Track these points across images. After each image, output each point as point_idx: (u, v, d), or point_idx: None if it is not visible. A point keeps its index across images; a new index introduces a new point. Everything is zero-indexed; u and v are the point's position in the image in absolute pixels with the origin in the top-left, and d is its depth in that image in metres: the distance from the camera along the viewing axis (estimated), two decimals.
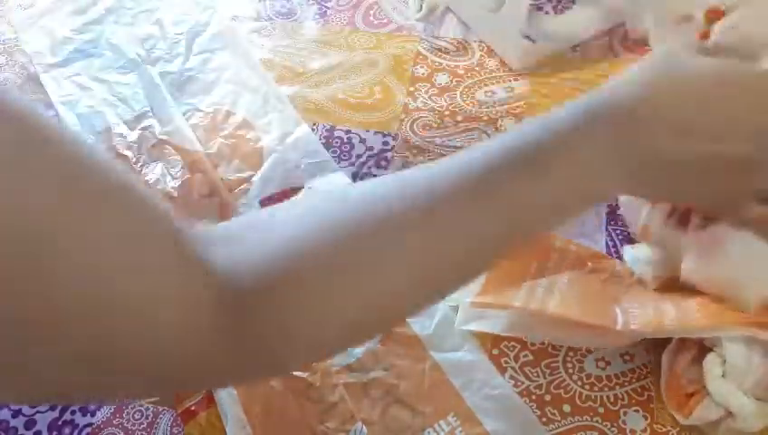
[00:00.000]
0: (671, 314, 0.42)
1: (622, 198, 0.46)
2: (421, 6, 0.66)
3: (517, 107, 0.60)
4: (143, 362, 0.25)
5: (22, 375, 0.23)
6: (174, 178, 0.58)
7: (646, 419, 0.43)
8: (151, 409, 0.46)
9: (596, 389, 0.44)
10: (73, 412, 0.45)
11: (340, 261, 0.28)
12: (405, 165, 0.57)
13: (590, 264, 0.49)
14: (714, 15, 0.45)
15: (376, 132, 0.60)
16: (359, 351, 0.47)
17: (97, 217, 0.23)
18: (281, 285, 0.27)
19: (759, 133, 0.34)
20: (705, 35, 0.45)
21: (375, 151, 0.58)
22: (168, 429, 0.45)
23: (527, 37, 0.63)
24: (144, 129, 0.62)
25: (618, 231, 0.51)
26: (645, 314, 0.42)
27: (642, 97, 0.33)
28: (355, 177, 0.57)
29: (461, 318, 0.47)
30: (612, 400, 0.44)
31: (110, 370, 0.25)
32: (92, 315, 0.23)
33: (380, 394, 0.45)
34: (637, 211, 0.45)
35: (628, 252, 0.49)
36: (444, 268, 0.31)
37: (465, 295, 0.46)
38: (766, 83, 0.35)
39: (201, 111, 0.63)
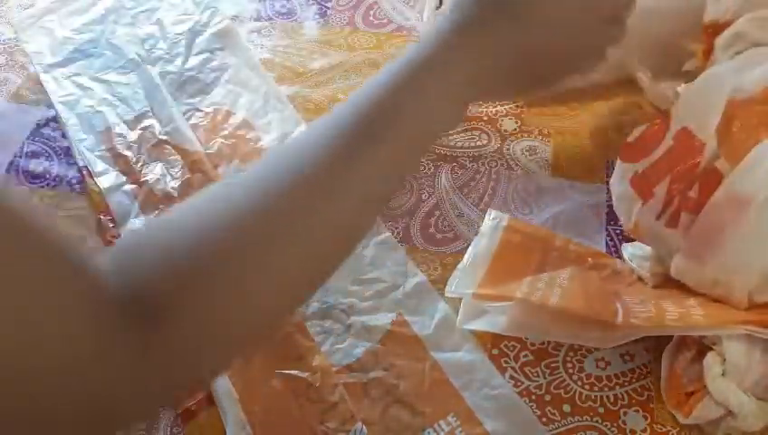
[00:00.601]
0: (672, 312, 0.42)
1: (615, 197, 0.46)
2: (441, 1, 0.65)
3: (517, 107, 0.60)
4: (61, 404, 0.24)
5: None
6: (174, 179, 0.58)
7: (646, 419, 0.43)
8: None
9: (596, 389, 0.44)
10: None
11: (241, 248, 0.28)
12: None
13: (590, 259, 0.49)
14: (714, 30, 0.45)
15: None
16: (359, 350, 0.47)
17: None
18: (188, 286, 0.27)
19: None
20: (709, 51, 0.45)
21: None
22: (168, 429, 0.45)
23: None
24: (144, 129, 0.62)
25: (618, 231, 0.51)
26: (645, 310, 0.42)
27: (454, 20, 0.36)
28: None
29: (463, 315, 0.47)
30: (612, 400, 0.44)
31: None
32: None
33: (380, 394, 0.45)
34: (628, 209, 0.45)
35: (627, 249, 0.49)
36: (333, 236, 0.32)
37: (468, 287, 0.46)
38: None
39: (201, 111, 0.63)
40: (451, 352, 0.46)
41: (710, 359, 0.40)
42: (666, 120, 0.43)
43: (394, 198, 0.33)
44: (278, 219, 0.29)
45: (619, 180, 0.46)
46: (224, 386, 0.45)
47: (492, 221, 0.51)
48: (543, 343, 0.46)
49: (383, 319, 0.48)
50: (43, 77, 0.67)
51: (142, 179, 0.58)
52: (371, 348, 0.47)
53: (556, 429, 0.43)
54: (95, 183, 0.58)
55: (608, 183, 0.54)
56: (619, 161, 0.46)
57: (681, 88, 0.51)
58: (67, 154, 0.61)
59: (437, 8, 0.65)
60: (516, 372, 0.45)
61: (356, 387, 0.45)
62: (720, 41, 0.44)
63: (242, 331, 0.30)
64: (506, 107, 0.60)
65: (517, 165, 0.57)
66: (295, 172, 0.31)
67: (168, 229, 0.29)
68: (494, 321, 0.46)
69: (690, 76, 0.46)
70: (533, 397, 0.44)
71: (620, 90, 0.59)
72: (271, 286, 0.29)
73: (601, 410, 0.43)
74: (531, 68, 0.38)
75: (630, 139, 0.45)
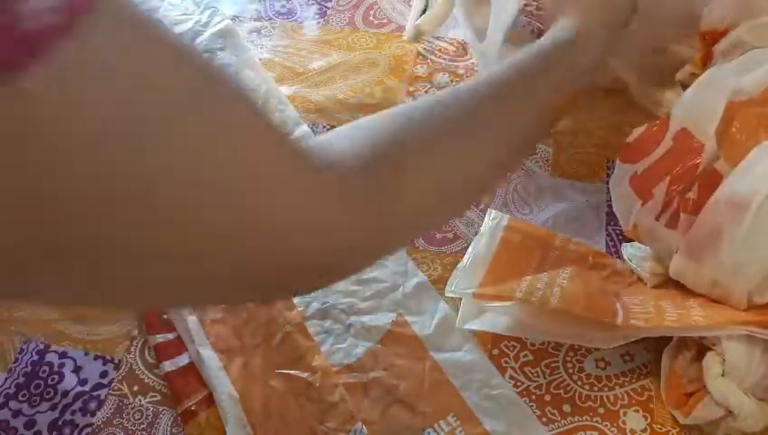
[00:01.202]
0: (671, 313, 0.42)
1: (615, 197, 0.46)
2: (425, 8, 0.65)
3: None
4: (276, 252, 0.25)
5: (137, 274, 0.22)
6: None
7: (646, 419, 0.43)
8: (151, 409, 0.46)
9: (596, 389, 0.44)
10: (73, 412, 0.45)
11: (430, 144, 0.32)
12: None
13: (590, 259, 0.49)
14: (711, 38, 0.45)
15: None
16: (359, 350, 0.47)
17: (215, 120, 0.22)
18: (387, 165, 0.30)
19: None
20: (706, 58, 0.46)
21: None
22: (168, 429, 0.45)
23: None
24: None
25: (618, 231, 0.51)
26: (645, 311, 0.42)
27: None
28: None
29: (462, 315, 0.47)
30: (612, 400, 0.44)
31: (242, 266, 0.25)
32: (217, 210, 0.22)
33: (380, 394, 0.45)
34: (627, 210, 0.45)
35: (627, 249, 0.49)
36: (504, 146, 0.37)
37: (468, 287, 0.46)
38: None
39: None
40: (451, 353, 0.46)
41: (710, 359, 0.40)
42: (665, 121, 0.44)
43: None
44: (458, 127, 0.34)
45: (619, 181, 0.46)
46: (224, 386, 0.45)
47: (492, 221, 0.51)
48: (543, 343, 0.46)
49: (383, 319, 0.48)
50: None
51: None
52: (371, 348, 0.47)
53: (556, 429, 0.43)
54: None
55: (608, 183, 0.54)
56: (618, 162, 0.46)
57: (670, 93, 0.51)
58: None
59: (422, 13, 0.65)
60: (516, 371, 0.45)
61: (356, 387, 0.45)
62: (720, 48, 0.44)
63: (440, 208, 0.34)
64: None
65: None
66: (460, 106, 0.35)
67: (368, 124, 0.32)
68: (494, 321, 0.46)
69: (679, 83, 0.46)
70: (533, 397, 0.44)
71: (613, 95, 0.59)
72: (458, 171, 0.34)
73: (601, 410, 0.43)
74: None
75: (630, 139, 0.45)
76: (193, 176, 0.21)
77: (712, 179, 0.40)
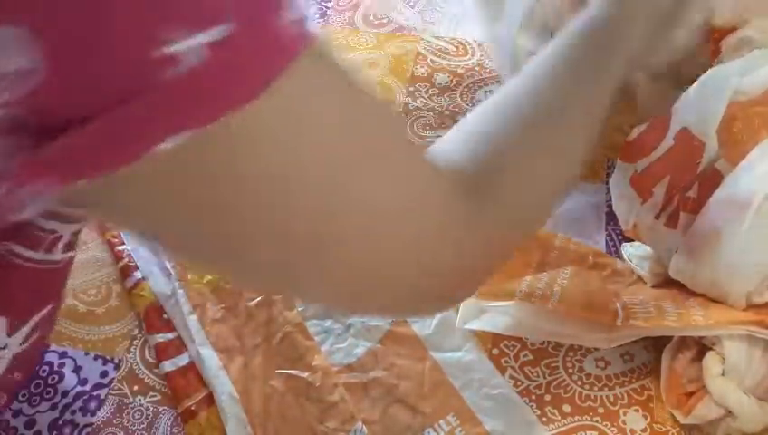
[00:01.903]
0: (671, 312, 0.42)
1: (615, 196, 0.46)
2: None
3: None
4: (397, 265, 0.26)
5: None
6: None
7: (646, 418, 0.43)
8: (151, 409, 0.46)
9: (596, 389, 0.44)
10: (73, 412, 0.45)
11: (527, 143, 0.32)
12: None
13: (590, 259, 0.49)
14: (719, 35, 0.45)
15: None
16: (359, 350, 0.47)
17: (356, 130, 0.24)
18: (491, 172, 0.30)
19: None
20: (715, 54, 0.45)
21: None
22: (168, 429, 0.45)
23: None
24: None
25: (617, 231, 0.51)
26: (645, 310, 0.42)
27: None
28: None
29: (462, 315, 0.47)
30: (612, 400, 0.44)
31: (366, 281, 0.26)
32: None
33: (380, 394, 0.45)
34: (627, 209, 0.45)
35: (627, 249, 0.49)
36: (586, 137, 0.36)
37: None
38: None
39: None
40: (451, 353, 0.46)
41: (710, 359, 0.40)
42: (666, 120, 0.44)
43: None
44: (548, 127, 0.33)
45: (620, 180, 0.46)
46: (224, 386, 0.45)
47: None
48: (543, 343, 0.46)
49: (383, 319, 0.48)
50: None
51: None
52: (371, 348, 0.47)
53: (556, 429, 0.43)
54: None
55: (608, 183, 0.54)
56: (619, 161, 0.46)
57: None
58: None
59: None
60: (516, 371, 0.45)
61: (356, 387, 0.45)
62: (728, 43, 0.44)
63: (537, 214, 0.35)
64: None
65: None
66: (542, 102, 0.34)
67: (475, 128, 0.33)
68: (494, 321, 0.46)
69: (688, 80, 0.46)
70: (533, 397, 0.44)
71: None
72: (553, 179, 0.34)
73: (601, 410, 0.43)
74: None
75: (630, 138, 0.45)
76: (374, 211, 0.24)
77: (712, 179, 0.40)
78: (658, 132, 0.44)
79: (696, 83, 0.43)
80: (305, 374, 0.46)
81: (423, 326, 0.47)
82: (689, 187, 0.41)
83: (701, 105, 0.42)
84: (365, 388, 0.45)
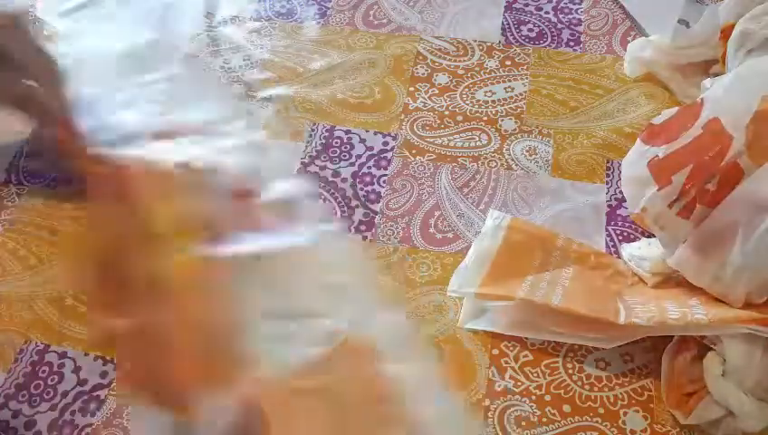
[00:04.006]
0: (673, 311, 0.42)
1: (626, 177, 0.45)
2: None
3: (517, 107, 0.60)
4: None
5: None
6: None
7: (646, 419, 0.43)
8: None
9: (596, 389, 0.44)
10: (73, 413, 0.45)
11: None
12: (405, 165, 0.57)
13: (592, 259, 0.49)
14: (724, 35, 0.45)
15: (376, 132, 0.60)
16: None
17: None
18: None
19: None
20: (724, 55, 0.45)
21: (375, 151, 0.58)
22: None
23: (683, 21, 0.59)
24: None
25: (617, 231, 0.51)
26: (647, 309, 0.42)
27: None
28: (355, 177, 0.57)
29: (464, 315, 0.47)
30: (612, 400, 0.44)
31: None
32: None
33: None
34: (638, 192, 0.44)
35: (626, 249, 0.49)
36: None
37: (470, 287, 0.46)
38: None
39: None
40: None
41: (710, 359, 0.40)
42: (698, 107, 0.42)
43: None
44: None
45: (634, 161, 0.44)
46: None
47: (494, 221, 0.51)
48: (543, 343, 0.46)
49: None
50: None
51: None
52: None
53: (556, 429, 0.43)
54: None
55: (608, 183, 0.54)
56: (638, 142, 0.44)
57: (709, 81, 0.48)
58: None
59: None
60: (516, 372, 0.45)
61: None
62: (731, 42, 0.44)
63: None
64: (506, 107, 0.60)
65: (517, 165, 0.57)
66: None
67: None
68: (495, 320, 0.46)
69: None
70: (533, 397, 0.44)
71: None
72: None
73: (601, 410, 0.43)
74: None
75: (657, 120, 0.43)
76: None
77: (732, 174, 0.40)
78: (688, 119, 0.42)
79: (732, 74, 0.42)
80: None
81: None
82: (709, 179, 0.40)
83: (734, 98, 0.41)
84: None
